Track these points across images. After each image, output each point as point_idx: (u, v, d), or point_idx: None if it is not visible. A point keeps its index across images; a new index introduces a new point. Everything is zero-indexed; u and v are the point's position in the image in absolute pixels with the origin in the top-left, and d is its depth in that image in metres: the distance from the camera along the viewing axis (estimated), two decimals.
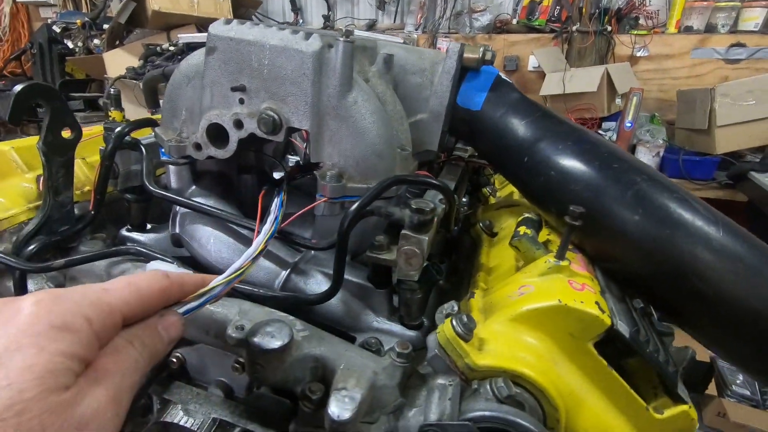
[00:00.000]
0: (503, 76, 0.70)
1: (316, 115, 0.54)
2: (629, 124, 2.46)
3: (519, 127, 0.64)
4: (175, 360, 0.60)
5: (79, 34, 3.40)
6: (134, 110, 2.73)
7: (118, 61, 3.12)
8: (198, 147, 0.58)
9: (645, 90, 2.47)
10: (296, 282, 0.58)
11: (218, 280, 0.40)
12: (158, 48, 3.03)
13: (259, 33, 0.53)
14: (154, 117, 0.72)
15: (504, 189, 0.97)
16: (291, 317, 0.52)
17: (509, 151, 0.65)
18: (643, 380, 0.52)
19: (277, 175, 0.88)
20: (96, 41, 3.39)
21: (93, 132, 0.73)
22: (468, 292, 0.65)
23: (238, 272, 0.42)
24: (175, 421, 0.54)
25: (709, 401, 1.65)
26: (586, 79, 2.65)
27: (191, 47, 3.04)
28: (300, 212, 0.54)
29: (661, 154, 2.43)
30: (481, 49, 0.68)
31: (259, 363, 0.47)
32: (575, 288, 0.50)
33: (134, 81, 2.97)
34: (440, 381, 0.48)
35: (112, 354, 0.29)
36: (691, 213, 0.50)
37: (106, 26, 3.31)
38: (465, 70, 0.69)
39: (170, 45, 3.02)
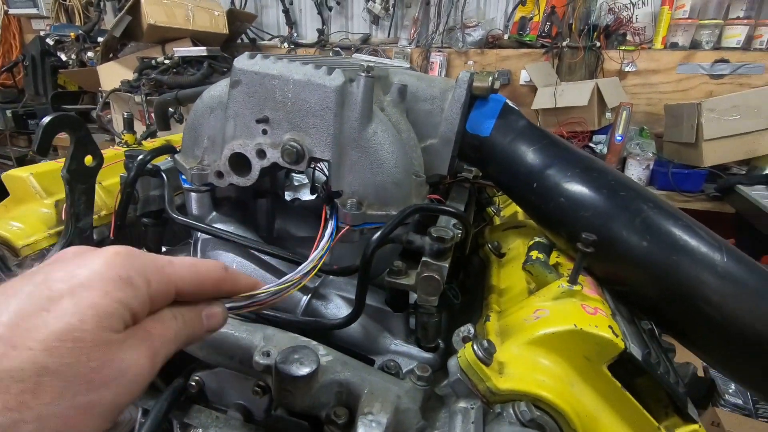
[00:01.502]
0: (511, 103, 0.73)
1: (337, 145, 0.56)
2: (620, 138, 2.52)
3: (528, 153, 0.67)
4: (194, 384, 0.61)
5: (73, 46, 3.39)
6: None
7: (112, 74, 3.11)
8: (220, 175, 0.60)
9: (633, 104, 2.54)
10: (317, 306, 0.60)
11: (267, 287, 0.42)
12: (153, 61, 3.03)
13: (283, 67, 0.55)
14: (165, 139, 0.74)
15: (507, 209, 1.00)
16: (314, 342, 0.53)
17: (518, 177, 0.68)
18: (653, 399, 0.54)
19: (287, 196, 0.90)
20: (89, 54, 3.38)
21: (108, 156, 0.74)
22: (480, 312, 0.67)
23: (288, 284, 0.44)
24: None
25: (703, 411, 1.69)
26: (576, 93, 2.72)
27: (186, 60, 3.06)
28: (335, 240, 0.55)
29: (651, 166, 2.49)
30: (490, 78, 0.71)
31: (288, 389, 0.48)
32: (589, 312, 0.52)
33: (128, 94, 2.97)
34: (462, 404, 0.50)
35: (158, 321, 0.31)
36: (696, 239, 0.53)
37: (100, 39, 3.31)
38: (474, 98, 0.72)
39: (165, 58, 3.03)
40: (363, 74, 0.54)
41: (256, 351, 0.51)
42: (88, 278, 0.28)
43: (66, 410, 0.25)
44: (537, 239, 0.66)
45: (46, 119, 0.53)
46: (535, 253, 0.61)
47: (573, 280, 0.54)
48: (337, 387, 0.50)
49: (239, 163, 0.58)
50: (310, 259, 0.51)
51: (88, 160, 0.61)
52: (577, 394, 0.50)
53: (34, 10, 3.82)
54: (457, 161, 0.77)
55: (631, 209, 0.56)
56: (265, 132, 0.57)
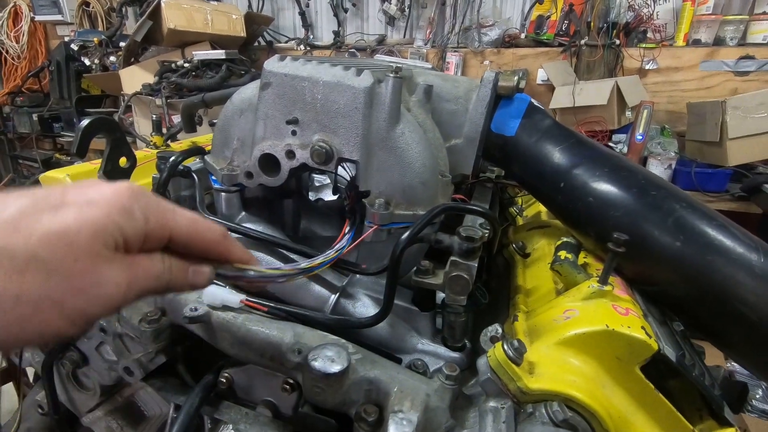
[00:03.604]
0: (536, 103, 0.73)
1: (365, 146, 0.56)
2: (640, 137, 2.47)
3: (554, 152, 0.66)
4: (224, 380, 0.62)
5: (96, 51, 3.48)
6: (149, 125, 2.79)
7: (134, 78, 3.18)
8: (249, 175, 0.61)
9: (654, 102, 2.49)
10: (345, 305, 0.61)
11: (258, 268, 0.43)
12: (173, 65, 3.09)
13: (313, 69, 0.56)
14: (191, 141, 0.75)
15: (529, 209, 0.99)
16: (343, 340, 0.54)
17: (544, 176, 0.67)
18: (686, 402, 0.53)
19: (310, 197, 0.91)
20: (112, 58, 3.46)
21: (139, 158, 0.76)
22: (506, 313, 0.66)
23: (280, 272, 0.44)
24: None
25: (736, 415, 1.64)
26: (595, 92, 2.68)
27: (205, 63, 3.11)
28: (356, 242, 0.56)
29: (673, 166, 2.43)
30: (516, 78, 0.71)
31: (319, 386, 0.48)
32: (620, 312, 0.51)
33: (150, 97, 3.03)
34: (492, 404, 0.50)
35: (146, 257, 0.34)
36: (732, 239, 0.52)
37: (122, 44, 3.38)
38: (499, 98, 0.72)
39: (185, 62, 3.09)
40: (391, 75, 0.55)
41: (287, 348, 0.52)
42: (95, 199, 0.31)
43: (41, 301, 0.27)
44: (565, 239, 0.66)
45: (85, 122, 0.55)
46: (563, 253, 0.61)
47: (603, 281, 0.54)
48: (366, 385, 0.51)
49: (268, 163, 0.59)
50: (310, 260, 0.52)
51: (123, 161, 0.63)
52: (609, 395, 0.49)
53: (59, 17, 3.93)
54: (482, 161, 0.77)
55: (663, 209, 0.55)
56: (294, 133, 0.58)
